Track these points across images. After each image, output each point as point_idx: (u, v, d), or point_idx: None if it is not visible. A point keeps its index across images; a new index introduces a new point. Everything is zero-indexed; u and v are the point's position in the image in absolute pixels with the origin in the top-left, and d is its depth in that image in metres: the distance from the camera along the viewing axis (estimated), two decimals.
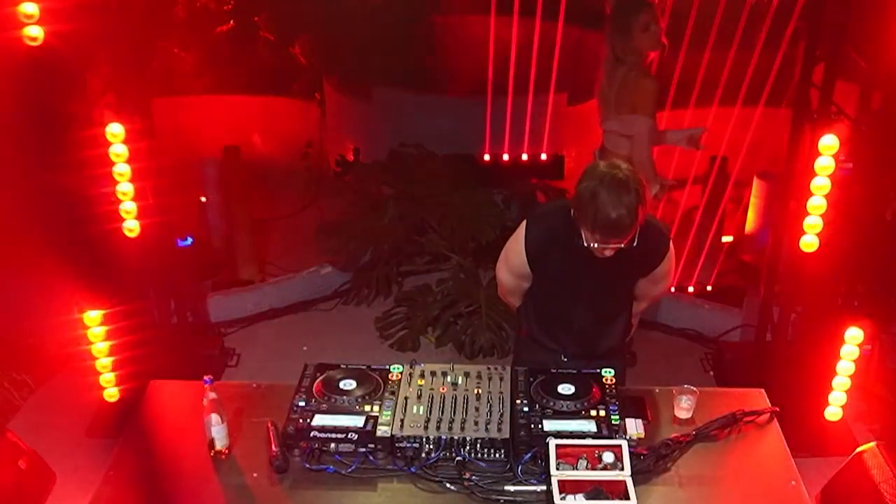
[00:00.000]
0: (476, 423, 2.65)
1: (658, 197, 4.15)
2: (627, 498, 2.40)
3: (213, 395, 2.62)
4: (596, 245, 2.62)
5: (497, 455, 2.61)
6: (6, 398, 4.28)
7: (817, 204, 3.68)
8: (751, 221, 5.31)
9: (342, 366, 2.90)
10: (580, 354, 3.02)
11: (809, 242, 3.76)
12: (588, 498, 2.42)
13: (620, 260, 2.70)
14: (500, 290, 3.15)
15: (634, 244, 2.62)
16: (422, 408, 2.71)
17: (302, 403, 2.72)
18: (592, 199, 2.54)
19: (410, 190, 5.50)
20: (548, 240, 2.81)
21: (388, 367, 2.90)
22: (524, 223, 2.87)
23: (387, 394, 2.76)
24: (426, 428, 2.63)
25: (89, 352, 3.99)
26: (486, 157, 6.14)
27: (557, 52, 5.67)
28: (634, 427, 2.71)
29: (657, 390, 2.95)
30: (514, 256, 2.90)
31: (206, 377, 2.63)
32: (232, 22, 6.69)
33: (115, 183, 3.76)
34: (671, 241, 2.89)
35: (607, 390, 2.76)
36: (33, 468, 3.73)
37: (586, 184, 2.57)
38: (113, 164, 3.72)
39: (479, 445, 2.60)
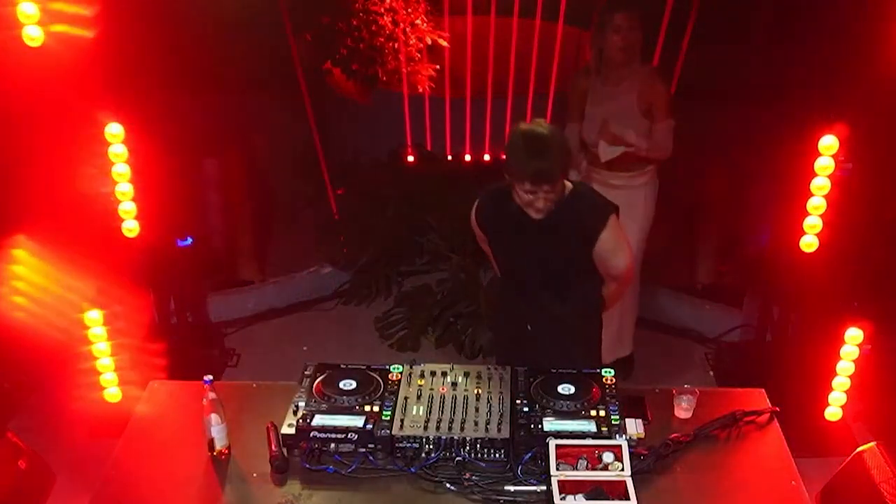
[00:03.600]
0: (476, 423, 2.65)
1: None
2: (627, 498, 2.40)
3: (213, 395, 2.62)
4: (527, 192, 2.79)
5: (497, 455, 2.61)
6: (6, 398, 4.28)
7: (817, 204, 3.68)
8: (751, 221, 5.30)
9: (342, 366, 2.90)
10: (544, 329, 3.12)
11: (809, 242, 3.76)
12: (588, 498, 2.42)
13: (558, 229, 2.88)
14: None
15: (561, 198, 2.83)
16: (422, 408, 2.71)
17: (302, 403, 2.71)
18: (511, 142, 2.81)
19: (410, 190, 5.50)
20: (494, 209, 3.05)
21: (388, 367, 2.90)
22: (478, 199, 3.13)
23: (387, 394, 2.76)
24: (426, 428, 2.63)
25: (89, 352, 3.99)
26: (487, 157, 6.15)
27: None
28: (634, 427, 2.71)
29: (657, 390, 2.95)
30: (472, 223, 3.17)
31: (206, 377, 2.63)
32: (231, 22, 6.68)
33: (115, 183, 3.76)
34: (613, 216, 2.95)
35: (607, 390, 2.76)
36: (33, 468, 3.73)
37: (511, 138, 2.83)
38: (113, 164, 3.72)
39: (479, 445, 2.60)
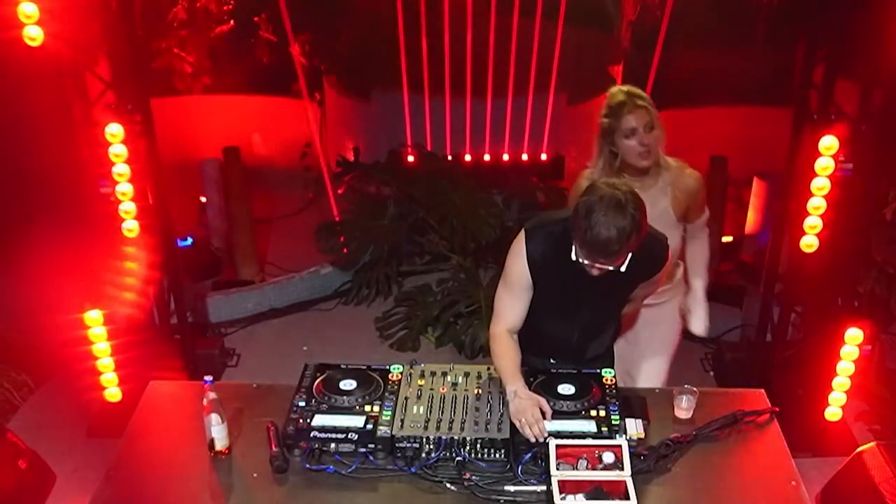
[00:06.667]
0: (476, 423, 2.65)
1: None
2: (627, 498, 2.40)
3: (213, 395, 2.62)
4: (584, 262, 2.55)
5: (497, 455, 2.60)
6: (6, 398, 4.29)
7: (817, 204, 3.68)
8: (751, 221, 5.31)
9: (342, 366, 2.90)
10: (566, 362, 2.96)
11: (809, 242, 3.76)
12: (588, 498, 2.42)
13: (623, 273, 2.59)
14: (491, 339, 2.83)
15: (622, 270, 2.54)
16: (422, 408, 2.71)
17: (302, 403, 2.71)
18: (587, 215, 2.46)
19: (410, 190, 5.51)
20: (549, 253, 2.69)
21: (388, 367, 2.90)
22: (522, 234, 2.75)
23: (387, 394, 2.76)
24: (426, 428, 2.63)
25: (89, 352, 3.99)
26: (487, 157, 6.15)
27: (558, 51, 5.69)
28: (634, 427, 2.70)
29: (657, 390, 2.96)
30: (514, 268, 2.74)
31: (206, 377, 2.63)
32: (232, 22, 6.70)
33: (115, 183, 3.76)
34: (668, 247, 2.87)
35: (607, 390, 2.76)
36: (33, 468, 3.74)
37: (585, 198, 2.51)
38: (112, 164, 3.72)
39: (479, 445, 2.60)
